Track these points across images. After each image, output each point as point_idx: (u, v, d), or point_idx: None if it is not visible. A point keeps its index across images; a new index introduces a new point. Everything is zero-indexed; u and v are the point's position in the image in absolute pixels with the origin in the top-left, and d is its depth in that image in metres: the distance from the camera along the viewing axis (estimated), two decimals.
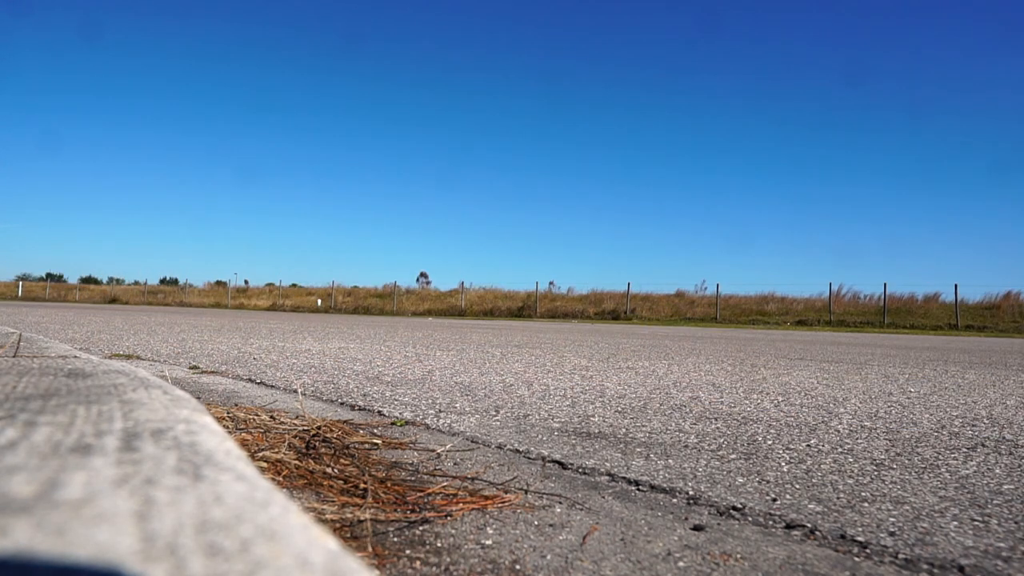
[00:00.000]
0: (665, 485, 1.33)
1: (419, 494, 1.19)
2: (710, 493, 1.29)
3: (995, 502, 1.28)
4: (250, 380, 2.88)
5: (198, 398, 2.19)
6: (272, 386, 2.70)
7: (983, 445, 1.87)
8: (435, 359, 4.30)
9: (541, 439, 1.77)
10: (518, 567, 0.89)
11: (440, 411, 2.17)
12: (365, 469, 1.33)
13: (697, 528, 1.08)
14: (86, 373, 1.19)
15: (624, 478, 1.39)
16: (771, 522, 1.12)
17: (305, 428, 1.62)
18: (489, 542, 0.98)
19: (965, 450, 1.79)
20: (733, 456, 1.63)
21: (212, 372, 3.15)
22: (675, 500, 1.24)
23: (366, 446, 1.57)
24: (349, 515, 1.04)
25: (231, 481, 0.55)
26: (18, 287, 47.20)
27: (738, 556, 0.96)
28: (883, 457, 1.67)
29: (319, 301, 35.11)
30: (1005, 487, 1.40)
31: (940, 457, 1.69)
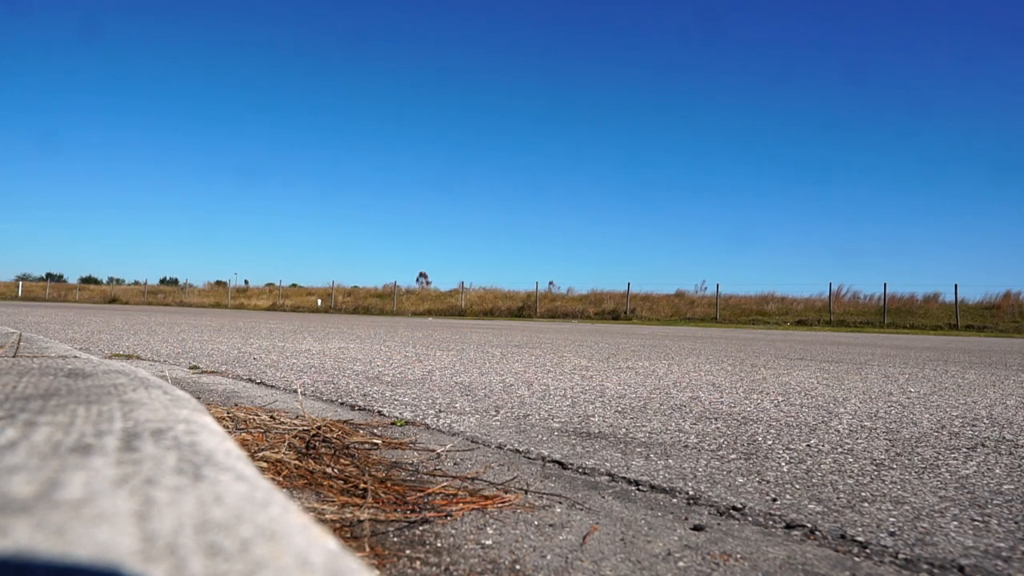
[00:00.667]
0: (665, 485, 1.33)
1: (419, 494, 1.19)
2: (710, 493, 1.29)
3: (995, 502, 1.28)
4: (250, 380, 2.89)
5: (198, 398, 2.19)
6: (272, 386, 2.70)
7: (983, 445, 1.87)
8: (435, 359, 4.31)
9: (541, 439, 1.77)
10: (518, 567, 0.89)
11: (440, 411, 2.17)
12: (365, 469, 1.33)
13: (697, 528, 1.08)
14: (86, 373, 1.19)
15: (624, 478, 1.39)
16: (771, 522, 1.12)
17: (305, 428, 1.62)
18: (489, 542, 0.98)
19: (965, 450, 1.79)
20: (733, 456, 1.63)
21: (212, 372, 3.15)
22: (675, 500, 1.24)
23: (366, 446, 1.57)
24: (349, 515, 1.04)
25: (231, 481, 0.55)
26: (18, 287, 47.21)
27: (738, 556, 0.96)
28: (883, 457, 1.67)
29: (319, 301, 35.11)
30: (1005, 487, 1.40)
31: (940, 457, 1.69)
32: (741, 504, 1.22)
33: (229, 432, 1.52)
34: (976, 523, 1.14)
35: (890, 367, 4.96)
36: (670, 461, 1.55)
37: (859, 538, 1.04)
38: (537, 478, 1.37)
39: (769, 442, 1.81)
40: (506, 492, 1.24)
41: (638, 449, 1.68)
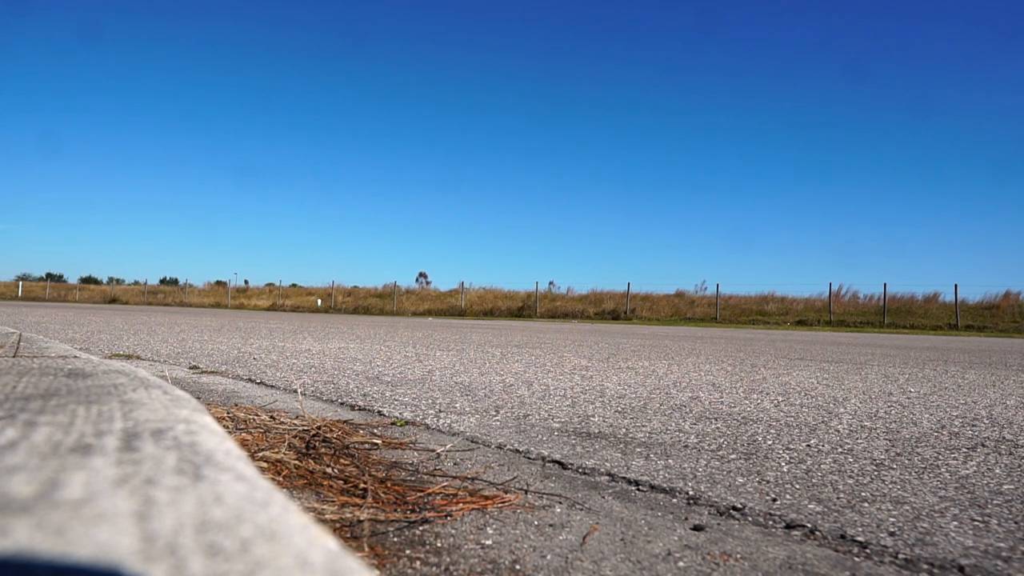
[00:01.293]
0: (665, 485, 1.33)
1: (419, 494, 1.19)
2: (710, 493, 1.28)
3: (995, 502, 1.28)
4: (250, 380, 2.89)
5: (198, 398, 2.19)
6: (272, 386, 2.70)
7: (983, 445, 1.87)
8: (435, 359, 4.30)
9: (541, 439, 1.77)
10: (518, 567, 0.89)
11: (440, 411, 2.17)
12: (365, 469, 1.33)
13: (697, 528, 1.08)
14: (86, 373, 1.19)
15: (624, 478, 1.39)
16: (771, 522, 1.12)
17: (305, 428, 1.62)
18: (489, 542, 0.98)
19: (965, 450, 1.79)
20: (733, 456, 1.63)
21: (212, 372, 3.15)
22: (675, 500, 1.24)
23: (366, 446, 1.57)
24: (349, 515, 1.04)
25: (231, 481, 0.55)
26: (18, 287, 47.21)
27: (738, 556, 0.96)
28: (883, 457, 1.67)
29: (319, 301, 35.11)
30: (1005, 487, 1.40)
31: (940, 457, 1.69)
32: (741, 504, 1.22)
33: (229, 432, 1.52)
34: (976, 523, 1.14)
35: (890, 367, 4.96)
36: (670, 461, 1.55)
37: (859, 538, 1.04)
38: (537, 478, 1.37)
39: (769, 442, 1.81)
40: (506, 492, 1.24)
41: (638, 449, 1.68)
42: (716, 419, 2.18)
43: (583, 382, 3.16)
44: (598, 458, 1.56)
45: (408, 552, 0.92)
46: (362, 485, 1.20)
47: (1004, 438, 2.00)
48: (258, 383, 2.79)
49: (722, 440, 1.82)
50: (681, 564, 0.92)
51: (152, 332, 6.33)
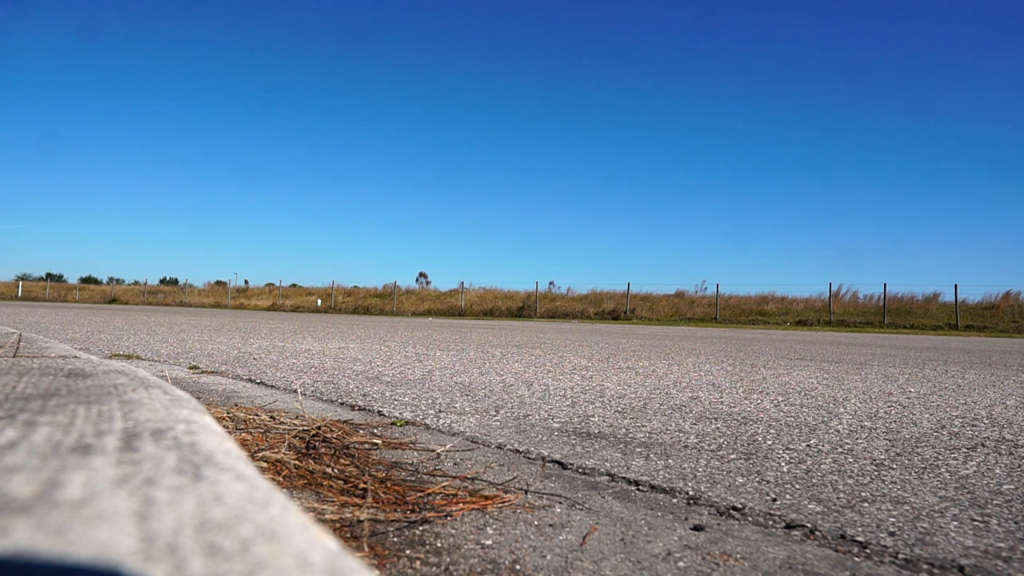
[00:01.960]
0: (665, 485, 1.33)
1: (419, 494, 1.19)
2: (710, 493, 1.28)
3: (995, 502, 1.28)
4: (250, 380, 2.88)
5: (198, 398, 2.19)
6: (272, 386, 2.70)
7: (983, 445, 1.87)
8: (435, 359, 4.30)
9: (541, 439, 1.76)
10: (518, 567, 0.89)
11: (440, 411, 2.17)
12: (365, 469, 1.33)
13: (697, 528, 1.08)
14: (86, 373, 1.19)
15: (624, 478, 1.39)
16: (771, 522, 1.12)
17: (305, 428, 1.62)
18: (489, 542, 0.98)
19: (965, 450, 1.79)
20: (733, 456, 1.63)
21: (212, 372, 3.15)
22: (675, 500, 1.24)
23: (366, 446, 1.57)
24: (349, 515, 1.04)
25: (231, 481, 0.55)
26: (18, 287, 47.20)
27: (738, 556, 0.96)
28: (883, 457, 1.67)
29: (319, 301, 35.11)
30: (1005, 487, 1.40)
31: (940, 457, 1.69)
32: (741, 504, 1.22)
33: (229, 432, 1.52)
34: (976, 523, 1.14)
35: (890, 367, 4.96)
36: (670, 461, 1.55)
37: (859, 538, 1.04)
38: (537, 478, 1.37)
39: (769, 442, 1.81)
40: (506, 492, 1.24)
41: (638, 449, 1.68)
42: (716, 419, 2.18)
43: (583, 382, 3.16)
44: (598, 458, 1.56)
45: (408, 552, 0.92)
46: (362, 485, 1.20)
47: (1004, 438, 2.00)
48: (258, 383, 2.79)
49: (722, 440, 1.82)
50: (681, 564, 0.92)
51: (152, 332, 6.33)
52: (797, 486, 1.36)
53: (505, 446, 1.67)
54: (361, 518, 1.03)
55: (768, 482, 1.38)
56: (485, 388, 2.82)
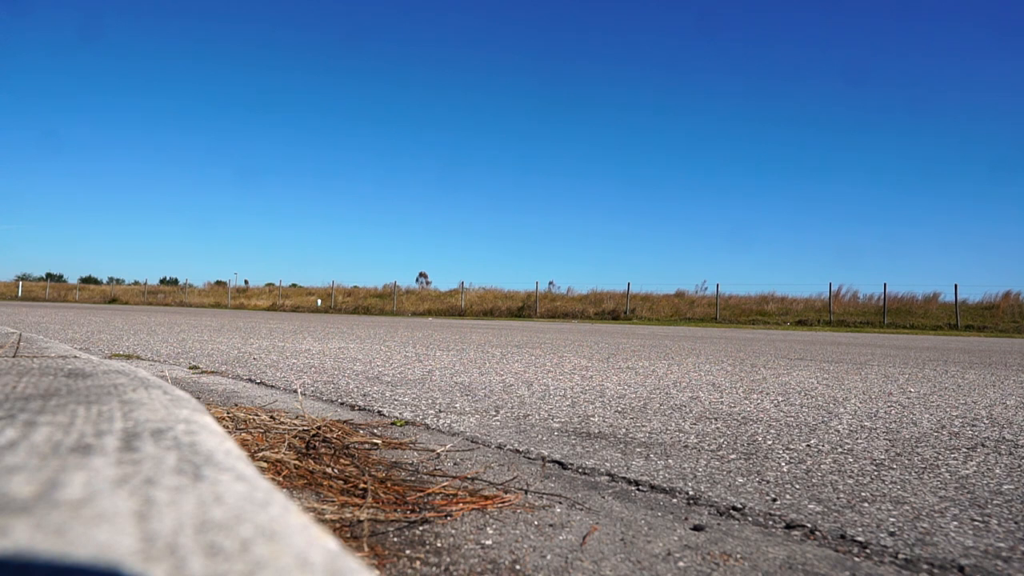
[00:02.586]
0: (665, 485, 1.33)
1: (419, 494, 1.19)
2: (710, 493, 1.28)
3: (995, 502, 1.28)
4: (250, 380, 2.88)
5: (198, 398, 2.19)
6: (272, 386, 2.70)
7: (983, 445, 1.87)
8: (435, 359, 4.30)
9: (541, 439, 1.76)
10: (518, 567, 0.89)
11: (440, 411, 2.17)
12: (365, 469, 1.33)
13: (697, 528, 1.08)
14: (86, 373, 1.19)
15: (624, 478, 1.39)
16: (771, 522, 1.12)
17: (305, 428, 1.62)
18: (489, 542, 0.98)
19: (965, 450, 1.79)
20: (733, 456, 1.63)
21: (212, 372, 3.15)
22: (675, 500, 1.24)
23: (366, 446, 1.57)
24: (349, 515, 1.04)
25: (231, 481, 0.55)
26: (18, 287, 47.20)
27: (738, 556, 0.96)
28: (883, 457, 1.67)
29: (319, 301, 35.11)
30: (1005, 487, 1.40)
31: (940, 457, 1.69)
32: (741, 504, 1.21)
33: (229, 432, 1.52)
34: (976, 523, 1.14)
35: (890, 367, 4.96)
36: (670, 461, 1.55)
37: (859, 538, 1.04)
38: (537, 478, 1.37)
39: (769, 442, 1.81)
40: (506, 492, 1.24)
41: (638, 449, 1.68)
42: (716, 419, 2.18)
43: (583, 382, 3.16)
44: (598, 458, 1.56)
45: (408, 552, 0.92)
46: (362, 485, 1.20)
47: (1004, 438, 2.00)
48: (258, 383, 2.79)
49: (722, 440, 1.82)
50: (681, 564, 0.92)
51: (152, 332, 6.33)
52: (797, 486, 1.36)
53: (505, 446, 1.67)
54: (361, 518, 1.03)
55: (768, 482, 1.38)
56: (485, 388, 2.82)
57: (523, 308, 29.96)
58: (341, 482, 1.22)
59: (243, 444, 1.42)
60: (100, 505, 0.46)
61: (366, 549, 0.92)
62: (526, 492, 1.26)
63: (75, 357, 1.59)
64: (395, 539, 0.97)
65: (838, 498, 1.28)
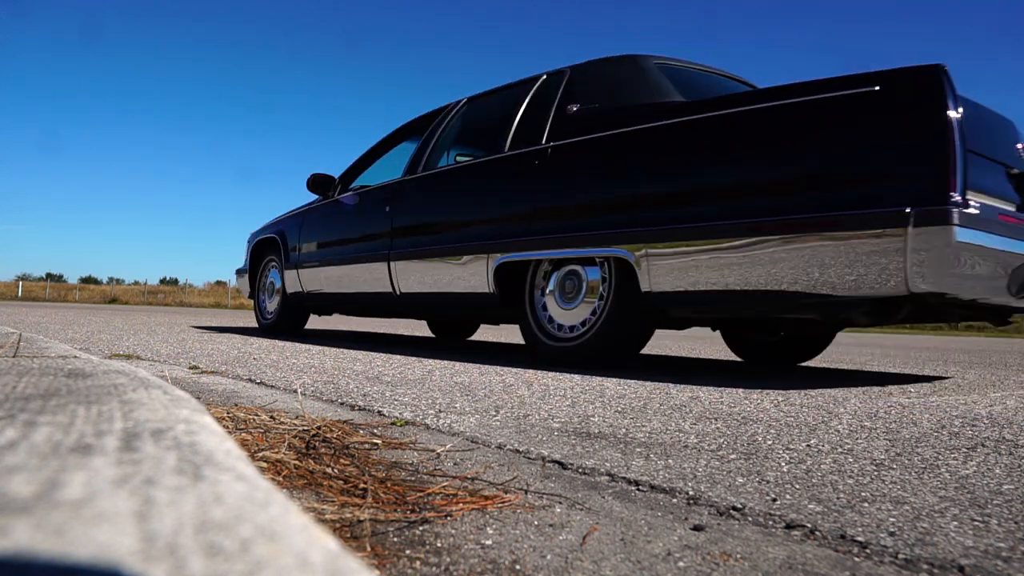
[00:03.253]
0: (665, 485, 1.33)
1: (419, 494, 1.19)
2: (710, 493, 1.29)
3: (995, 502, 1.28)
4: (250, 380, 2.89)
5: (198, 398, 2.19)
6: (272, 386, 2.70)
7: (983, 445, 1.87)
8: (435, 359, 4.31)
9: (541, 439, 1.77)
10: (518, 567, 0.89)
11: (440, 411, 2.17)
12: (365, 469, 1.33)
13: (697, 528, 1.08)
14: (86, 373, 1.19)
15: (624, 478, 1.39)
16: (771, 522, 1.12)
17: (305, 428, 1.62)
18: (489, 542, 0.98)
19: (965, 450, 1.79)
20: (733, 456, 1.63)
21: (212, 372, 3.15)
22: (675, 500, 1.24)
23: (366, 446, 1.57)
24: (349, 515, 1.04)
25: (231, 481, 0.55)
26: (18, 287, 47.18)
27: (738, 556, 0.96)
28: (883, 457, 1.67)
29: None
30: (1005, 487, 1.40)
31: (940, 457, 1.69)
32: (741, 504, 1.22)
33: (229, 432, 1.52)
34: (976, 523, 1.14)
35: (890, 367, 4.96)
36: (670, 461, 1.55)
37: (859, 538, 1.05)
38: (537, 478, 1.37)
39: (769, 442, 1.81)
40: (506, 492, 1.24)
41: (638, 449, 1.68)
42: (716, 419, 2.18)
43: (583, 382, 3.16)
44: (598, 458, 1.56)
45: (408, 552, 0.92)
46: (362, 485, 1.20)
47: (1004, 438, 2.00)
48: (258, 383, 2.79)
49: (722, 440, 1.82)
50: (681, 564, 0.92)
51: (152, 332, 6.33)
52: (797, 486, 1.36)
53: (505, 446, 1.67)
54: (361, 518, 1.03)
55: (768, 482, 1.38)
56: (485, 388, 2.82)
57: None
58: (341, 482, 1.22)
59: (243, 444, 1.42)
60: (100, 505, 0.46)
61: (366, 549, 0.92)
62: (526, 492, 1.26)
63: (75, 357, 1.59)
64: (395, 539, 0.97)
65: (838, 498, 1.28)
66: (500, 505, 1.16)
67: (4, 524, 0.41)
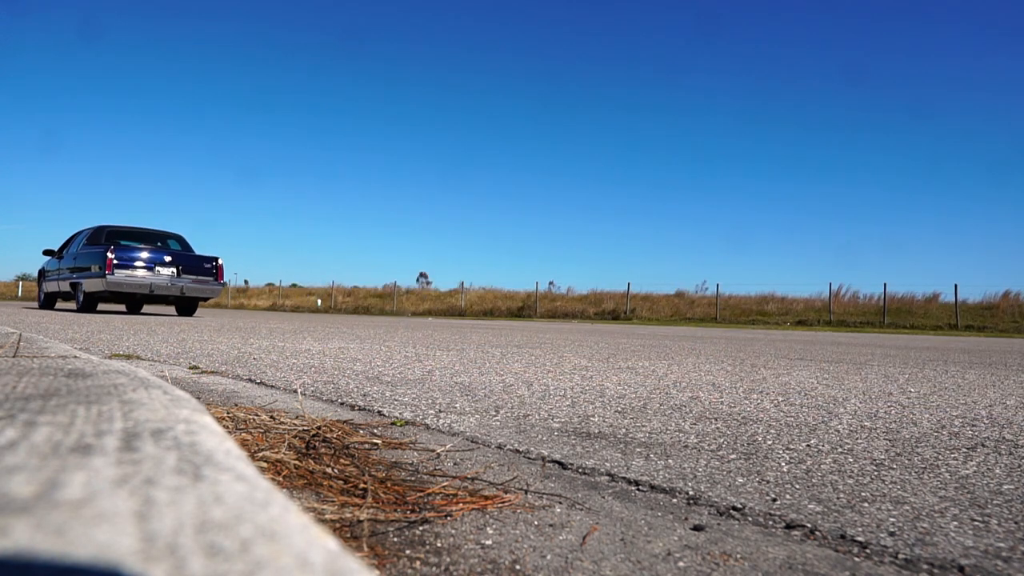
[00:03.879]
0: (665, 485, 1.33)
1: (419, 494, 1.19)
2: (710, 493, 1.28)
3: (995, 502, 1.28)
4: (250, 380, 2.88)
5: (198, 398, 2.19)
6: (272, 386, 2.70)
7: (983, 445, 1.87)
8: (435, 359, 4.30)
9: (541, 439, 1.76)
10: (518, 567, 0.89)
11: (440, 411, 2.17)
12: (365, 469, 1.33)
13: (697, 528, 1.08)
14: (86, 373, 1.19)
15: (624, 478, 1.39)
16: (771, 522, 1.12)
17: (305, 428, 1.62)
18: (489, 542, 0.98)
19: (965, 450, 1.79)
20: (733, 456, 1.63)
21: (212, 372, 3.15)
22: (675, 500, 1.24)
23: (366, 446, 1.57)
24: (349, 515, 1.04)
25: (231, 481, 0.55)
26: (18, 287, 47.17)
27: (738, 556, 0.96)
28: (883, 457, 1.67)
29: (319, 301, 35.10)
30: (1005, 487, 1.40)
31: (940, 457, 1.69)
32: (741, 504, 1.22)
33: (229, 432, 1.52)
34: (976, 523, 1.14)
35: (890, 367, 4.96)
36: (670, 461, 1.55)
37: (859, 538, 1.05)
38: (537, 478, 1.37)
39: (769, 442, 1.81)
40: (506, 492, 1.24)
41: (638, 449, 1.68)
42: (716, 419, 2.18)
43: (583, 382, 3.16)
44: (598, 458, 1.56)
45: (408, 552, 0.92)
46: (362, 485, 1.20)
47: (1004, 438, 2.00)
48: (258, 383, 2.79)
49: (722, 440, 1.82)
50: (681, 564, 0.92)
51: (152, 332, 6.33)
52: (797, 486, 1.36)
53: (505, 446, 1.67)
54: (361, 518, 1.03)
55: (768, 482, 1.38)
56: (485, 388, 2.82)
57: (523, 308, 29.96)
58: (341, 482, 1.22)
59: (243, 444, 1.42)
60: (100, 505, 0.46)
61: (366, 549, 0.92)
62: (526, 492, 1.26)
63: (75, 357, 1.59)
64: (395, 539, 0.97)
65: (838, 498, 1.28)
66: (500, 505, 1.16)
67: (4, 524, 0.41)
